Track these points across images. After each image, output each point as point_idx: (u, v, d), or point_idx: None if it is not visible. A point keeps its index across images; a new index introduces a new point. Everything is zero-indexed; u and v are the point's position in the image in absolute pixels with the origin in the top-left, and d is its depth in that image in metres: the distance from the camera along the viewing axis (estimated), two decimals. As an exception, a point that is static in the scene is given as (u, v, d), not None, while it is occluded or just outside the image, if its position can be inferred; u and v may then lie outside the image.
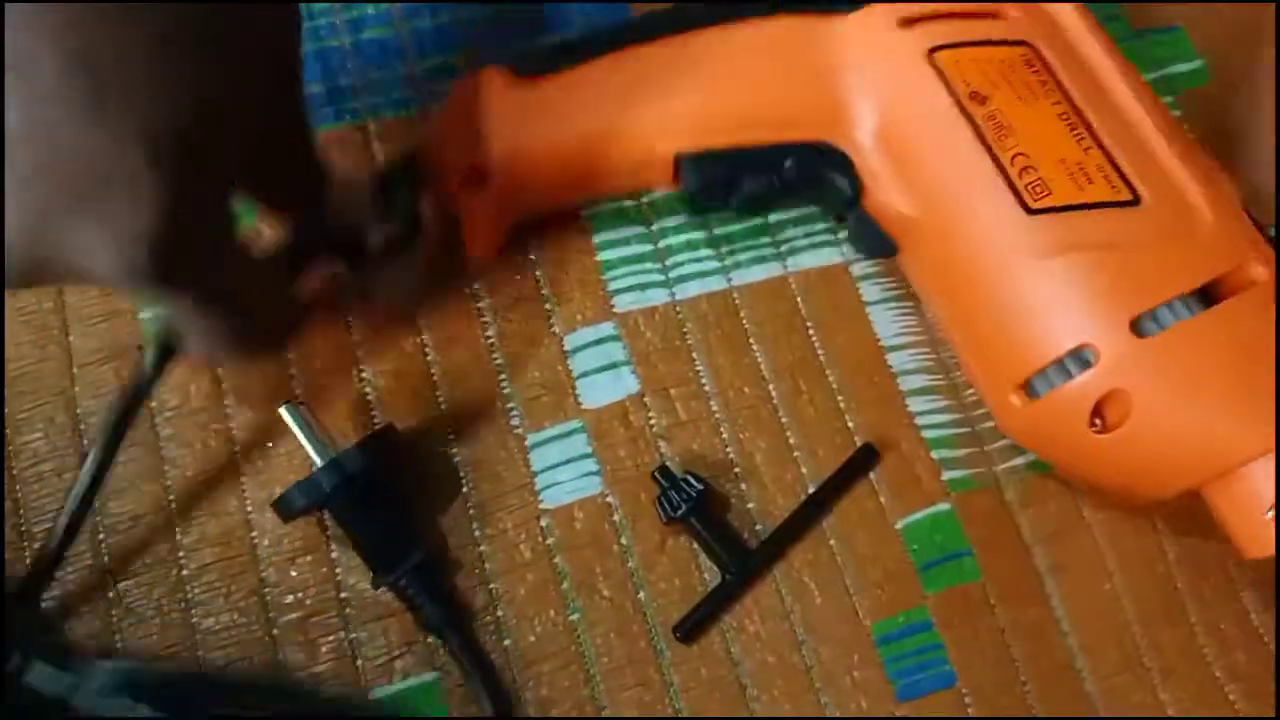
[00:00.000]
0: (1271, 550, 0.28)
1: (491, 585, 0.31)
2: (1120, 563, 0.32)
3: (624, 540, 0.32)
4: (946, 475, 0.33)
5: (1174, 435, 0.28)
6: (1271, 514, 0.28)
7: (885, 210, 0.31)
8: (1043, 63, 0.30)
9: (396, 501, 0.31)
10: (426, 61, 0.37)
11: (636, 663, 0.30)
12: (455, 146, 0.31)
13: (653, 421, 0.33)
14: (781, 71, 0.31)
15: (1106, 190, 0.29)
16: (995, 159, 0.29)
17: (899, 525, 0.32)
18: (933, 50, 0.30)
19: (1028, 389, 0.29)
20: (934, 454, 0.33)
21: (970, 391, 0.34)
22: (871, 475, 0.33)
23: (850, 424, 0.33)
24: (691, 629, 0.31)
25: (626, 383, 0.33)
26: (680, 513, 0.31)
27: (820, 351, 0.34)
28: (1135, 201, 0.28)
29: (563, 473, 0.32)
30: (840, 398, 0.34)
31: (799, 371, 0.34)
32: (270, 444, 0.32)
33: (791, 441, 0.33)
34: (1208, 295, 0.28)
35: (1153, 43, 0.39)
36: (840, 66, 0.31)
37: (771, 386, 0.34)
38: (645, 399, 0.33)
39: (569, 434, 0.33)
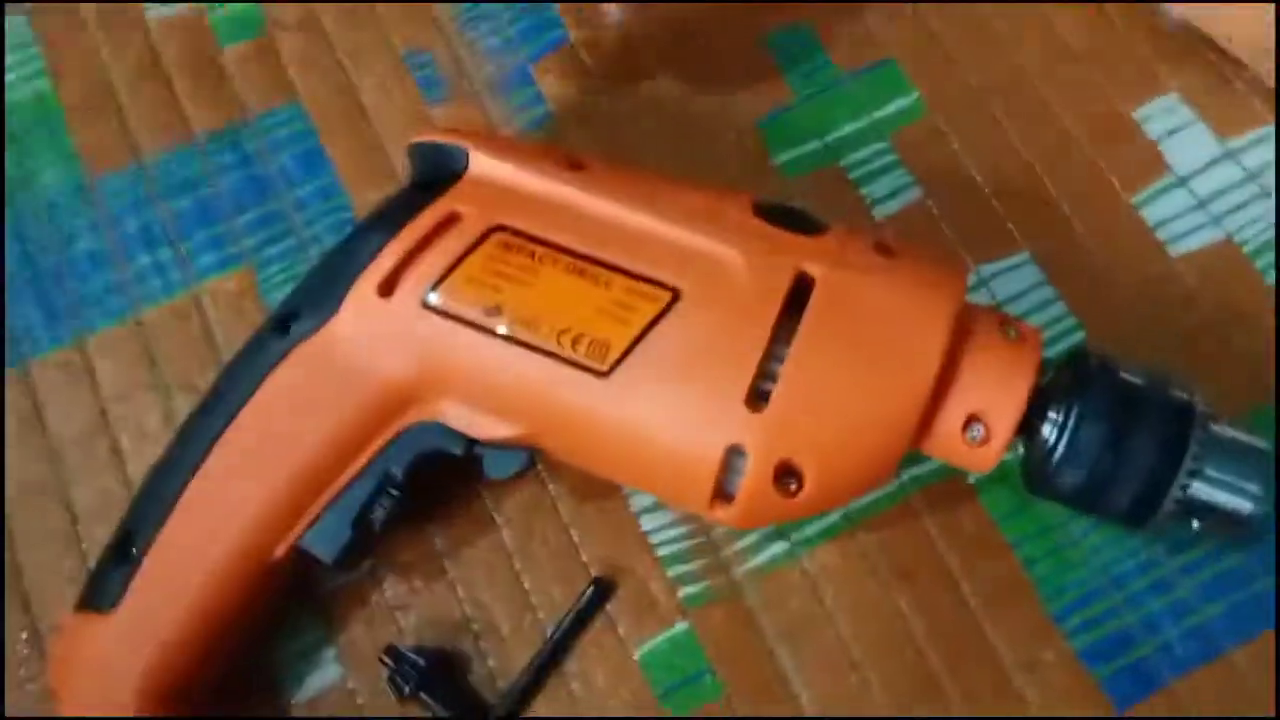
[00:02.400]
0: (993, 464, 0.29)
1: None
2: (867, 651, 0.32)
3: (368, 722, 0.32)
4: (683, 592, 0.33)
5: (855, 448, 0.28)
6: (972, 433, 0.29)
7: (500, 440, 0.30)
8: (520, 234, 0.29)
9: None
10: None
11: (390, 843, 0.31)
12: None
13: (389, 593, 0.33)
14: (321, 406, 0.30)
15: (649, 306, 0.28)
16: (546, 353, 0.28)
17: (637, 655, 0.32)
18: (425, 302, 0.29)
19: (721, 498, 0.29)
20: (670, 571, 0.33)
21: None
22: (609, 606, 0.33)
23: (585, 555, 0.33)
24: (436, 800, 0.31)
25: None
26: (409, 690, 0.31)
27: (550, 487, 0.34)
28: (677, 296, 0.28)
29: (302, 664, 0.33)
30: (573, 530, 0.34)
31: (530, 512, 0.34)
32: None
33: (526, 586, 0.33)
34: (794, 313, 0.28)
35: (864, 82, 0.38)
36: (367, 367, 0.30)
37: (504, 533, 0.34)
38: (378, 572, 0.34)
39: (302, 621, 0.33)
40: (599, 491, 0.34)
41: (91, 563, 0.34)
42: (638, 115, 0.38)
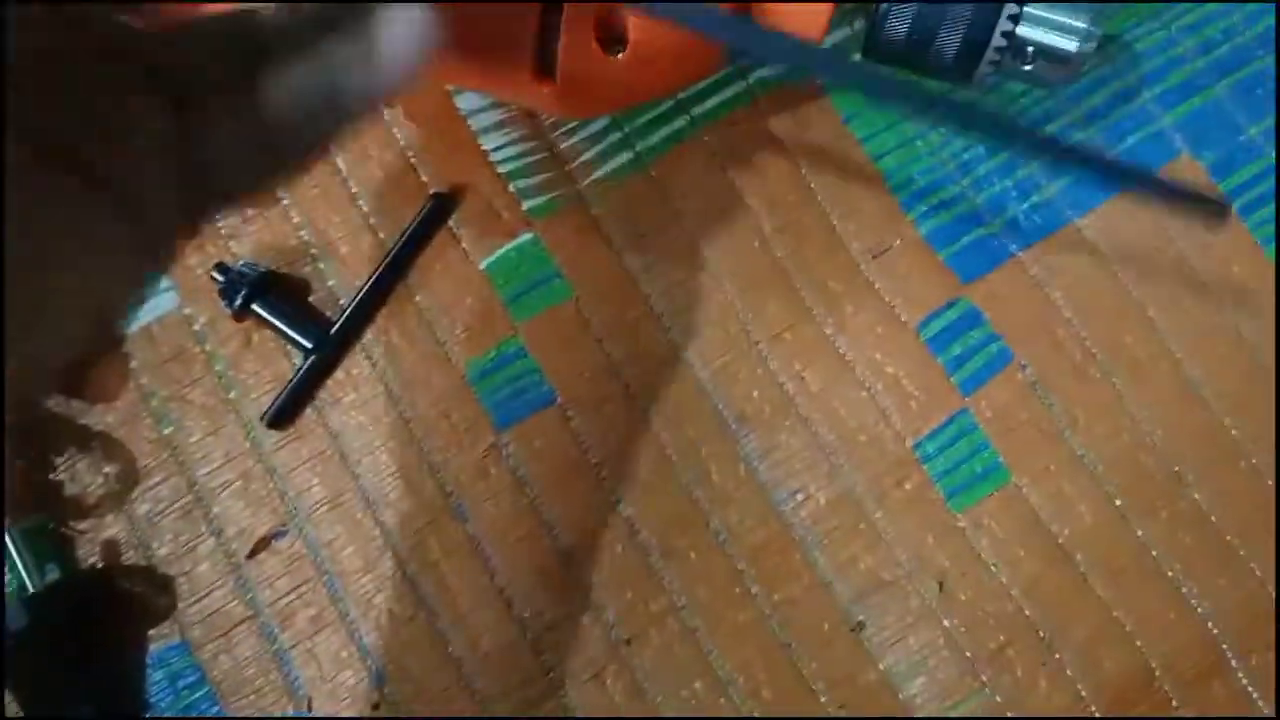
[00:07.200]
0: (824, 24, 0.27)
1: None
2: (715, 248, 0.32)
3: (208, 346, 0.31)
4: (528, 205, 0.32)
5: None
6: None
7: None
8: None
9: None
10: None
11: (236, 457, 0.31)
12: None
13: (220, 222, 0.32)
14: None
15: None
16: None
17: (483, 265, 0.32)
18: None
19: (543, 73, 0.28)
20: (513, 186, 0.32)
21: (546, 116, 0.32)
22: (451, 222, 0.32)
23: (424, 177, 0.32)
24: (279, 414, 0.30)
25: (189, 192, 0.32)
26: (240, 301, 0.30)
27: (386, 113, 0.33)
28: None
29: (135, 296, 0.32)
30: (410, 153, 0.32)
31: (364, 137, 0.33)
32: None
33: (364, 208, 0.32)
34: None
35: None
36: None
37: (339, 159, 0.32)
38: (208, 203, 0.32)
39: (135, 256, 0.32)
40: (438, 115, 0.33)
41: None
42: None
